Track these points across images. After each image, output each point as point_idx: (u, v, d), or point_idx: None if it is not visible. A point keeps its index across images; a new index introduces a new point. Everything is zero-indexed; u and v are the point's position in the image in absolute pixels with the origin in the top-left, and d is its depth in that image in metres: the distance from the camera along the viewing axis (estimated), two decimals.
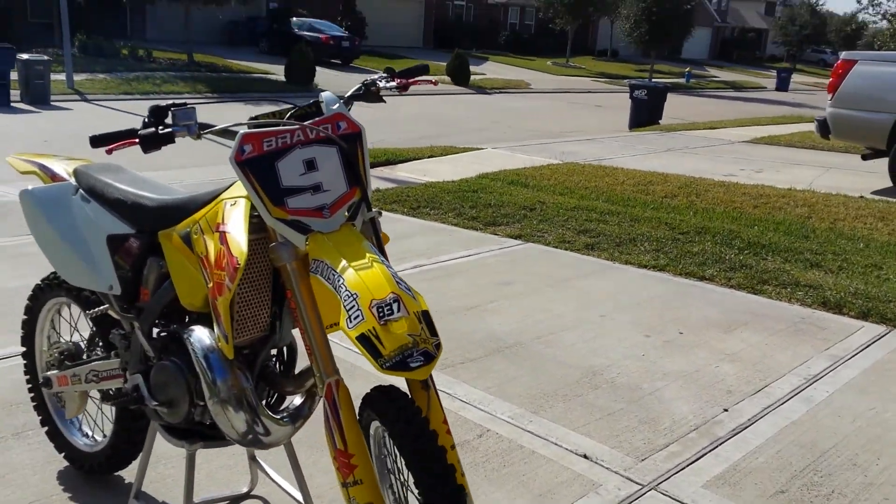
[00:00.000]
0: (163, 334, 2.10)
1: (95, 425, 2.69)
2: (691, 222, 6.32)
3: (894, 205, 7.24)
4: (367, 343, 1.53)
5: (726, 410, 3.15)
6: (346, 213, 1.79)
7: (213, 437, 2.09)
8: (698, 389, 3.33)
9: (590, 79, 31.62)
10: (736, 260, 5.29)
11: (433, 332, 1.59)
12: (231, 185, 1.93)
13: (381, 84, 2.05)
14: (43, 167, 2.41)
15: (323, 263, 1.69)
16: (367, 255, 1.67)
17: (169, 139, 1.80)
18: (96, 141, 1.87)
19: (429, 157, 9.81)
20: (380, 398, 1.70)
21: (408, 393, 1.73)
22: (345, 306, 1.59)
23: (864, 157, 8.33)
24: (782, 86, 33.53)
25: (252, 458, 2.51)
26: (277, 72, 21.52)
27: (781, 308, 4.45)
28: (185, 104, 1.81)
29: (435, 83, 2.27)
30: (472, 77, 25.35)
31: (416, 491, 1.60)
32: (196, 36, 24.50)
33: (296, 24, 27.66)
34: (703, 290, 4.73)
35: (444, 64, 25.74)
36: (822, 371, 3.55)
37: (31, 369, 2.68)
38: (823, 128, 8.17)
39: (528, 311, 4.21)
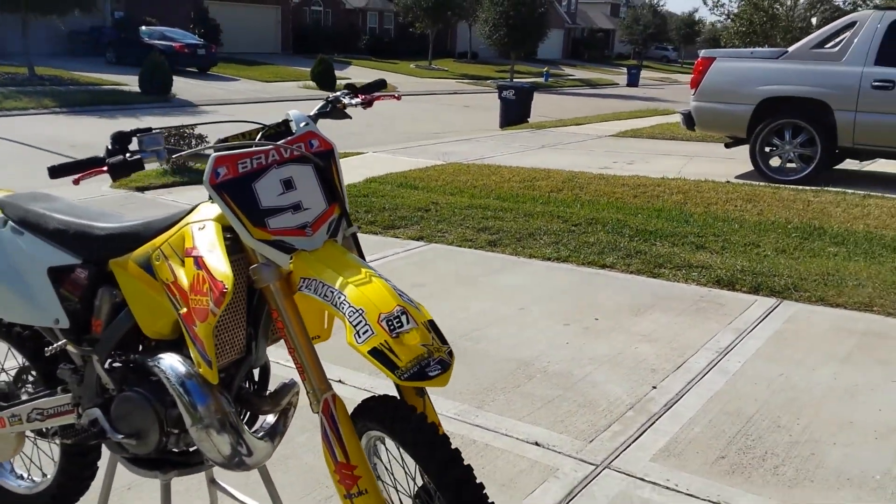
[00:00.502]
0: (120, 365, 2.00)
1: (32, 465, 2.52)
2: (581, 214, 6.58)
3: (758, 187, 7.83)
4: (380, 357, 1.53)
5: (655, 388, 3.33)
6: (328, 231, 1.79)
7: (184, 463, 2.01)
8: (625, 371, 3.50)
9: (454, 80, 32.16)
10: (630, 247, 5.57)
11: (443, 341, 1.62)
12: (192, 210, 1.87)
13: (346, 101, 2.05)
14: None
15: (315, 281, 1.67)
16: (363, 269, 1.67)
17: (139, 166, 1.72)
18: (57, 171, 1.76)
19: None
20: (381, 409, 1.71)
21: (405, 401, 1.75)
22: (350, 322, 1.58)
23: (727, 146, 8.96)
24: (633, 81, 35.41)
25: (211, 481, 2.42)
26: (129, 82, 20.53)
27: (680, 289, 4.73)
28: (149, 129, 1.74)
29: (398, 98, 2.28)
30: (338, 82, 25.22)
31: (437, 495, 1.62)
32: (36, 47, 22.93)
33: (145, 33, 26.56)
34: (607, 278, 4.96)
35: (308, 70, 25.47)
36: (731, 344, 3.82)
37: None
38: (689, 120, 8.72)
39: (447, 310, 4.27)
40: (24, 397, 2.30)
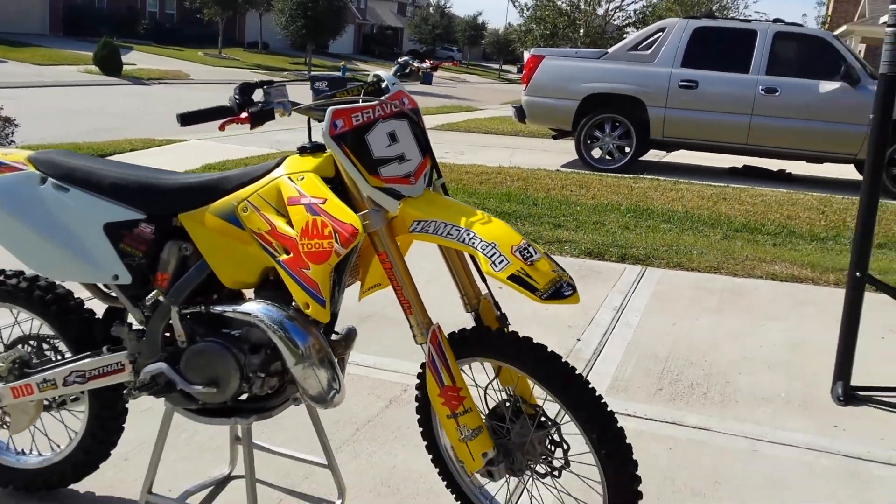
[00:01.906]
0: (194, 316, 2.04)
1: (32, 440, 2.41)
2: None
3: (586, 175, 8.66)
4: (519, 281, 1.76)
5: (579, 339, 3.77)
6: (425, 180, 1.97)
7: (255, 409, 2.09)
8: (547, 327, 3.90)
9: (248, 70, 31.30)
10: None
11: (563, 269, 1.86)
12: (278, 164, 1.95)
13: (415, 64, 2.21)
14: None
15: (435, 222, 1.85)
16: (477, 211, 1.88)
17: (271, 115, 1.81)
18: (188, 118, 1.79)
19: (130, 150, 9.27)
20: (495, 340, 1.93)
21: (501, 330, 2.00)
22: (485, 254, 1.78)
23: (554, 138, 9.78)
24: (426, 80, 36.28)
25: (236, 438, 2.48)
26: None
27: (559, 260, 5.24)
28: (272, 81, 1.84)
29: (456, 63, 2.47)
30: (125, 67, 23.70)
31: (581, 429, 1.86)
32: None
33: None
34: None
35: (85, 53, 23.65)
36: (622, 303, 4.36)
37: None
38: (520, 113, 9.42)
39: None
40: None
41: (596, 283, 4.73)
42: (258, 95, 1.86)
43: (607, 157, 9.15)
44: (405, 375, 3.27)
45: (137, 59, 28.25)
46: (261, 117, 1.81)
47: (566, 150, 10.55)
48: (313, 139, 1.96)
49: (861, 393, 3.17)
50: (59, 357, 2.26)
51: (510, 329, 2.05)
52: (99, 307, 2.22)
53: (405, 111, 1.98)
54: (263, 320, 1.93)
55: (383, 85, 2.05)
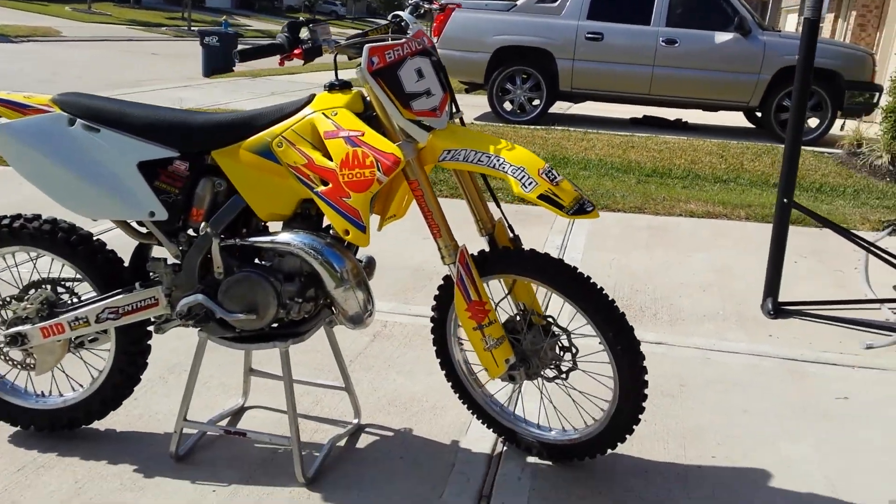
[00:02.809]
0: (230, 248, 2.15)
1: (52, 382, 2.46)
2: None
3: (500, 127, 8.93)
4: (548, 199, 1.97)
5: None
6: (448, 114, 2.14)
7: (289, 334, 2.23)
8: None
9: (124, 26, 29.72)
10: (433, 177, 6.21)
11: (580, 190, 2.09)
12: (308, 101, 2.07)
13: (426, 6, 2.36)
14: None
15: (465, 151, 2.04)
16: (501, 140, 2.08)
17: (319, 52, 1.93)
18: (246, 55, 1.89)
19: None
20: (524, 259, 2.14)
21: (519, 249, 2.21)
22: (514, 177, 1.99)
23: (467, 91, 9.96)
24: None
25: (249, 371, 2.61)
26: None
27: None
28: (317, 19, 1.95)
29: (459, 6, 2.61)
30: None
31: (597, 330, 2.11)
32: None
33: None
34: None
35: None
36: (563, 241, 4.67)
37: None
38: None
39: None
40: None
41: (536, 225, 5.02)
42: (303, 34, 1.97)
43: (518, 109, 9.44)
44: (382, 314, 3.44)
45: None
46: (311, 53, 1.94)
47: (478, 103, 10.78)
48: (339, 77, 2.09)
49: (787, 307, 3.60)
50: (73, 299, 2.32)
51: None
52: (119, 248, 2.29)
53: (427, 49, 2.14)
54: (303, 248, 2.08)
55: (403, 24, 2.20)
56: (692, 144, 8.24)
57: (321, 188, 2.03)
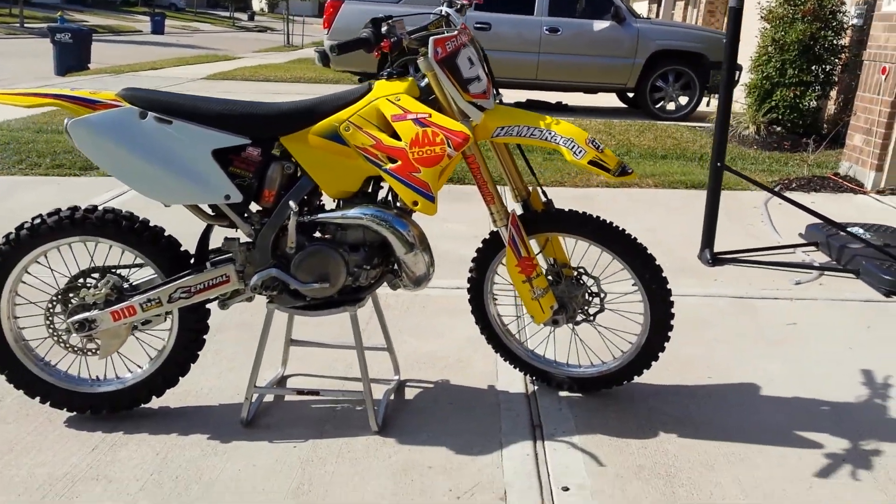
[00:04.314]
0: (301, 225, 2.32)
1: (106, 365, 2.51)
2: None
3: None
4: (596, 165, 2.27)
5: None
6: (493, 96, 2.39)
7: (353, 300, 2.42)
8: (466, 241, 4.43)
9: None
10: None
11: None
12: (370, 89, 2.26)
13: (460, 1, 2.56)
14: (68, 98, 2.19)
15: (518, 126, 2.30)
16: (546, 116, 2.35)
17: (401, 45, 2.13)
18: (342, 48, 2.05)
19: None
20: (566, 218, 2.43)
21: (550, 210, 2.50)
22: (566, 146, 2.27)
23: (360, 81, 10.08)
24: (158, 29, 34.31)
25: (290, 342, 2.76)
26: None
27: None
28: (391, 17, 2.15)
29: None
30: None
31: (633, 273, 2.42)
32: None
33: None
34: None
35: None
36: None
37: None
38: (324, 58, 9.56)
39: None
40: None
41: (472, 204, 5.33)
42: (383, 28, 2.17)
43: None
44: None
45: None
46: (396, 46, 2.13)
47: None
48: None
49: (722, 256, 4.11)
50: (126, 284, 2.38)
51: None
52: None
53: (473, 39, 2.38)
54: (374, 220, 2.28)
55: (451, 18, 2.42)
56: (581, 124, 8.81)
57: (389, 165, 2.22)
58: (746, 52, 9.61)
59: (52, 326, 2.37)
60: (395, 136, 2.22)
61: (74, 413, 2.47)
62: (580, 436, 2.41)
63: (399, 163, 2.21)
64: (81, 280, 2.37)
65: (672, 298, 2.48)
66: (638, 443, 2.38)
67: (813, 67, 7.80)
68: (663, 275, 2.45)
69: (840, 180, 6.03)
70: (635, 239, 2.44)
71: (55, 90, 2.23)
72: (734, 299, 3.61)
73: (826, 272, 3.97)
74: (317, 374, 2.77)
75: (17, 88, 2.29)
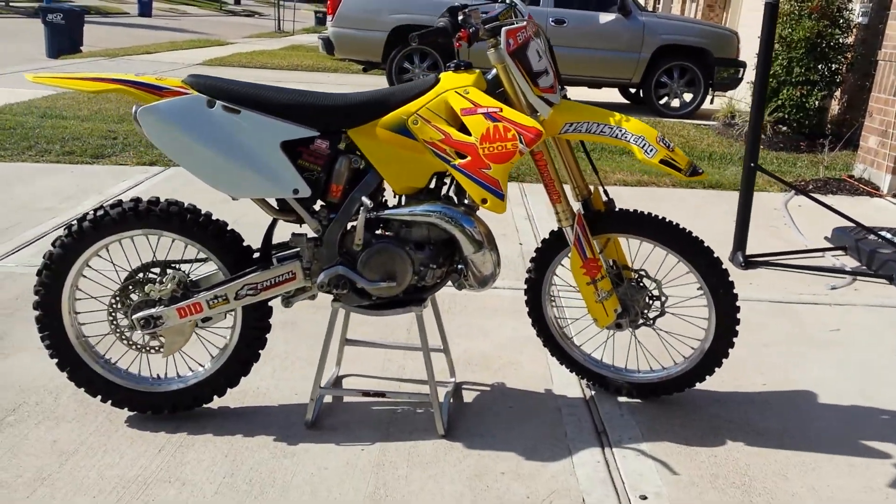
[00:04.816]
0: (368, 221, 2.28)
1: (167, 363, 2.46)
2: None
3: None
4: (667, 164, 2.24)
5: (521, 244, 4.33)
6: (559, 91, 2.36)
7: (417, 300, 2.39)
8: None
9: None
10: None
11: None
12: (437, 81, 2.22)
13: None
14: (133, 83, 2.13)
15: (587, 123, 2.27)
16: (615, 113, 2.32)
17: (478, 34, 2.09)
18: (423, 37, 2.01)
19: None
20: (632, 218, 2.40)
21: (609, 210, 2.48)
22: (637, 144, 2.24)
23: (365, 70, 10.01)
24: (145, 11, 33.85)
25: (346, 341, 2.73)
26: None
27: None
28: (465, 6, 2.11)
29: None
30: None
31: (699, 276, 2.41)
32: None
33: None
34: None
35: None
36: (527, 213, 4.98)
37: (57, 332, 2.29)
38: (328, 45, 9.51)
39: None
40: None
41: None
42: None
43: None
44: None
45: None
46: (475, 36, 2.09)
47: (376, 83, 10.85)
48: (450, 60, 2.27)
49: (754, 259, 4.12)
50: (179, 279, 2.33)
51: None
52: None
53: (540, 30, 2.35)
54: (443, 217, 2.25)
55: (518, 8, 2.39)
56: None
57: (458, 161, 2.19)
58: (752, 48, 9.64)
59: (114, 323, 2.32)
60: (464, 130, 2.18)
61: (135, 412, 2.42)
62: (648, 443, 2.40)
63: (469, 158, 2.17)
64: (142, 275, 2.32)
65: (738, 303, 2.46)
66: (707, 451, 2.37)
67: (819, 66, 7.83)
68: (730, 279, 2.43)
69: (855, 183, 6.07)
70: (702, 241, 2.43)
71: (119, 75, 2.17)
72: (771, 303, 3.61)
73: (859, 277, 3.99)
74: (372, 375, 2.74)
75: (78, 73, 2.23)
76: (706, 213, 5.13)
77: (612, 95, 11.73)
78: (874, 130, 6.07)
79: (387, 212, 2.29)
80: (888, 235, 4.20)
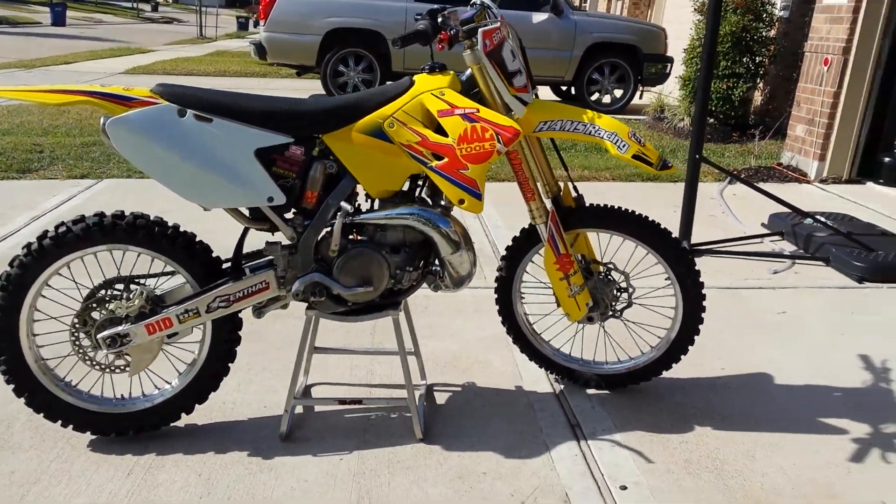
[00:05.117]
0: (343, 226, 2.26)
1: (133, 382, 2.38)
2: None
3: None
4: (640, 158, 2.29)
5: (475, 243, 4.34)
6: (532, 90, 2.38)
7: (391, 304, 2.38)
8: None
9: None
10: None
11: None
12: (412, 84, 2.21)
13: None
14: (100, 94, 2.06)
15: (561, 121, 2.30)
16: (587, 111, 2.35)
17: (458, 37, 2.09)
18: (404, 41, 2.00)
19: None
20: (601, 214, 2.44)
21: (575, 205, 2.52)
22: (610, 141, 2.28)
23: (299, 74, 9.86)
24: (59, 20, 32.69)
25: (315, 349, 2.69)
26: None
27: None
28: (444, 8, 2.11)
29: None
30: None
31: (667, 267, 2.45)
32: None
33: None
34: None
35: None
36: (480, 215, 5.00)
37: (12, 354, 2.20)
38: (260, 50, 9.35)
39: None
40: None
41: None
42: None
43: (352, 90, 9.56)
44: None
45: None
46: (455, 39, 2.09)
47: (313, 87, 10.71)
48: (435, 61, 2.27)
49: (699, 247, 4.23)
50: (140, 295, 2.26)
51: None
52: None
53: (512, 31, 2.36)
54: (420, 219, 2.25)
55: (491, 10, 2.39)
56: None
57: (435, 163, 2.19)
58: (680, 44, 9.92)
59: (77, 343, 2.23)
60: (439, 131, 2.18)
61: (97, 436, 2.33)
62: (620, 433, 2.44)
63: (446, 160, 2.17)
64: (104, 292, 2.24)
65: (703, 290, 2.52)
66: (677, 437, 2.43)
67: (744, 59, 8.11)
68: (697, 268, 2.50)
69: (784, 170, 6.30)
70: (670, 233, 2.48)
71: (84, 87, 2.09)
72: (720, 289, 3.72)
73: (797, 261, 4.14)
74: (341, 383, 2.71)
75: (40, 85, 2.14)
76: (648, 205, 5.25)
77: (545, 93, 11.89)
78: (801, 119, 6.32)
79: (363, 216, 2.27)
80: (822, 220, 4.37)
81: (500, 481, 2.19)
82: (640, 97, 10.22)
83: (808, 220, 4.43)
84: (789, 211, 4.47)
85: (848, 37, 5.78)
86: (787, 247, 4.39)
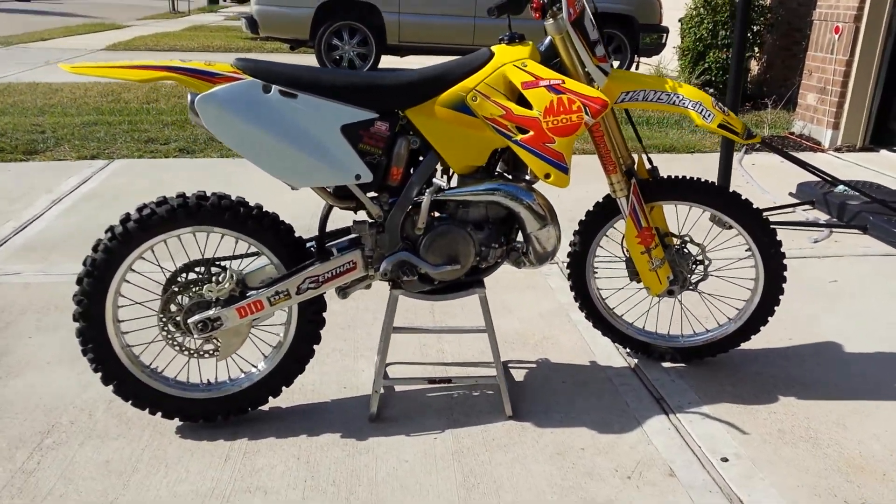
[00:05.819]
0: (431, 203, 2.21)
1: (219, 367, 2.32)
2: None
3: None
4: (725, 128, 2.26)
5: None
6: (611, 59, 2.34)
7: (476, 282, 2.34)
8: None
9: None
10: None
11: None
12: (492, 55, 2.15)
13: None
14: (183, 70, 1.98)
15: (644, 91, 2.26)
16: (668, 79, 2.31)
17: (551, 5, 2.03)
18: (502, 9, 1.94)
19: None
20: (683, 185, 2.41)
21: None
22: (695, 111, 2.25)
23: (292, 48, 9.68)
24: None
25: (392, 329, 2.64)
26: None
27: None
28: None
29: None
30: None
31: (748, 237, 2.43)
32: None
33: None
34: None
35: None
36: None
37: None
38: (252, 24, 9.15)
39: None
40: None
41: None
42: None
43: (347, 65, 9.41)
44: None
45: None
46: (548, 6, 2.04)
47: (304, 62, 10.50)
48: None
49: None
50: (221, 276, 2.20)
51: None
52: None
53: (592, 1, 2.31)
54: (507, 194, 2.20)
55: None
56: None
57: (520, 136, 2.14)
58: (676, 14, 9.87)
59: (165, 328, 2.17)
60: (522, 103, 2.14)
61: (184, 422, 2.28)
62: (707, 406, 2.44)
63: (531, 133, 2.12)
64: (185, 276, 2.17)
65: (784, 259, 2.51)
66: (764, 408, 2.43)
67: None
68: (778, 240, 2.48)
69: (798, 139, 6.33)
70: (750, 202, 2.46)
71: (165, 62, 2.01)
72: None
73: (834, 230, 4.16)
74: (417, 362, 2.67)
75: (121, 61, 2.05)
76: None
77: None
78: (812, 88, 6.34)
79: (449, 192, 2.22)
80: (857, 188, 4.39)
81: (600, 456, 2.17)
82: (637, 68, 10.17)
83: (839, 189, 4.45)
84: (818, 180, 4.48)
85: (859, 4, 5.79)
86: (820, 216, 4.41)
